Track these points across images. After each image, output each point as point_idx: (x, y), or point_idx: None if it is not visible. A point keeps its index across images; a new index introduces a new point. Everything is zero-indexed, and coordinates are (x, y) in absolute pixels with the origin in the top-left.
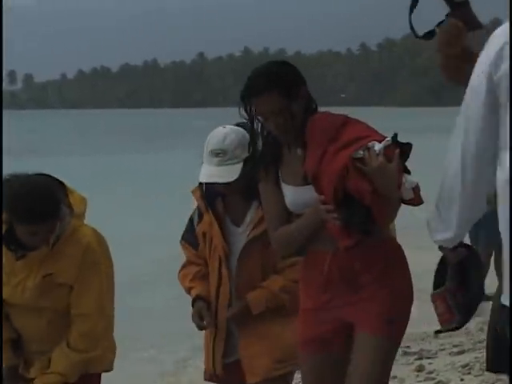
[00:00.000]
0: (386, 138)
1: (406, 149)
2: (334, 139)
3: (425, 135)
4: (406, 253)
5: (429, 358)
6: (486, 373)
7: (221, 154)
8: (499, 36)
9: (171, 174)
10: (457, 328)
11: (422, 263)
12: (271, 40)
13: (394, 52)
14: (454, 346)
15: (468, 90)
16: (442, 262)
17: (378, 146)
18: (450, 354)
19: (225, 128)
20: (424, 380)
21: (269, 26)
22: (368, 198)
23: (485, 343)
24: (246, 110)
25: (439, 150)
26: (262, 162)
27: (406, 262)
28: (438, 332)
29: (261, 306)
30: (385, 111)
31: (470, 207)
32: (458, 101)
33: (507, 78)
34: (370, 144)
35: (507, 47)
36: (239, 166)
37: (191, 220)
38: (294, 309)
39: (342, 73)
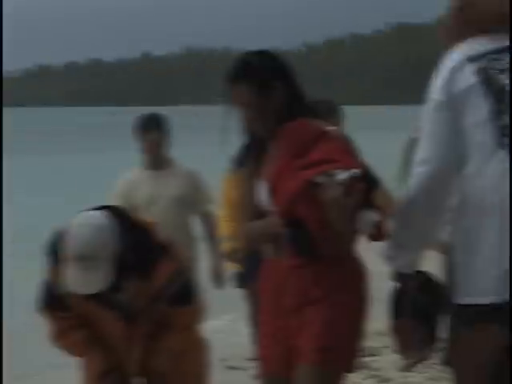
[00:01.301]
0: (356, 166)
1: (372, 184)
2: (302, 155)
3: (365, 132)
4: None
5: (373, 355)
6: (429, 370)
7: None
8: (446, 61)
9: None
10: (422, 359)
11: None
12: (216, 38)
13: (339, 50)
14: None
15: (424, 118)
16: (398, 292)
17: (341, 176)
18: (394, 351)
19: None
20: (368, 377)
21: (214, 25)
22: (314, 226)
23: None
24: (227, 97)
25: (379, 146)
26: (244, 154)
27: (365, 284)
28: (408, 367)
29: None
30: None
31: (425, 232)
32: (396, 99)
33: (467, 95)
34: (334, 171)
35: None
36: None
37: None
38: None
39: None
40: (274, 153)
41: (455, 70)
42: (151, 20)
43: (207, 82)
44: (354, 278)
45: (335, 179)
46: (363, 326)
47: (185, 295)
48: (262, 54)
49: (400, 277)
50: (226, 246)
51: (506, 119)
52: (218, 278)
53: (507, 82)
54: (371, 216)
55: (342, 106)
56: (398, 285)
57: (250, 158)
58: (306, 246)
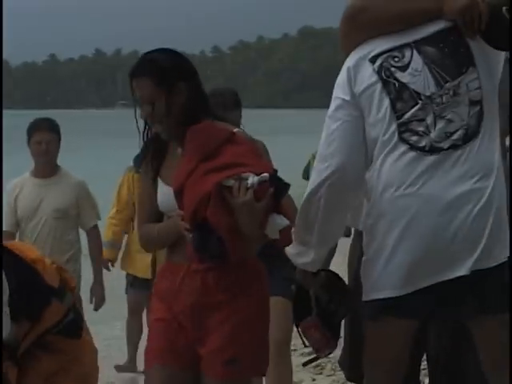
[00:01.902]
0: (266, 170)
1: (282, 188)
2: (210, 157)
3: (275, 136)
4: None
5: None
6: (337, 372)
7: None
8: (347, 63)
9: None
10: (330, 353)
11: None
12: (124, 41)
13: (248, 55)
14: (306, 346)
15: (328, 117)
16: (301, 292)
17: (251, 180)
18: (301, 354)
19: None
20: None
21: (121, 27)
22: (224, 231)
23: None
24: (131, 91)
25: (287, 149)
26: (144, 153)
27: (265, 284)
28: (307, 363)
29: None
30: None
31: (328, 229)
32: (305, 103)
33: (368, 94)
34: (244, 175)
35: (354, 69)
36: None
37: None
38: None
39: None
40: (179, 155)
41: (356, 70)
42: (58, 23)
43: (114, 86)
44: (256, 280)
45: (245, 183)
46: (267, 328)
47: (71, 329)
48: (166, 53)
49: (304, 275)
50: (107, 252)
51: (406, 116)
52: (97, 299)
53: (408, 79)
54: (280, 220)
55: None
56: (302, 283)
57: (149, 157)
58: (215, 251)
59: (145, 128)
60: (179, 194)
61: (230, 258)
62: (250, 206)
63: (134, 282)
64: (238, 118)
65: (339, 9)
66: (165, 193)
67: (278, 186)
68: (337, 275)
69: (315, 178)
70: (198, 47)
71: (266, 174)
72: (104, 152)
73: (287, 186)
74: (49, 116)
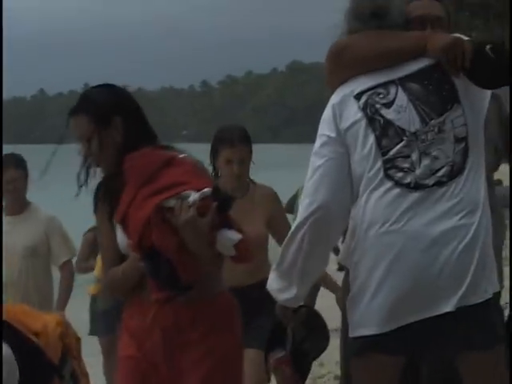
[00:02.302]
0: (205, 186)
1: (225, 202)
2: (149, 182)
3: (263, 171)
4: None
5: None
6: None
7: None
8: (332, 99)
9: None
10: None
11: None
12: (113, 76)
13: (236, 89)
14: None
15: (314, 154)
16: (278, 326)
17: (192, 197)
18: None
19: None
20: None
21: (110, 63)
22: (172, 253)
23: None
24: (71, 129)
25: (276, 184)
26: (97, 193)
27: (237, 319)
28: None
29: None
30: None
31: (311, 265)
32: (294, 138)
33: (353, 131)
34: (184, 193)
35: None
36: None
37: None
38: None
39: (183, 109)
40: (122, 188)
41: (341, 107)
42: (46, 58)
43: None
44: (228, 317)
45: (186, 201)
46: (241, 368)
47: None
48: (104, 89)
49: (284, 311)
50: (93, 287)
51: (392, 153)
52: None
53: (393, 115)
54: (231, 235)
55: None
56: (281, 318)
57: (103, 199)
58: (168, 276)
59: (85, 165)
60: (123, 223)
61: (183, 279)
62: (193, 223)
63: None
64: (245, 153)
65: (327, 44)
66: (119, 232)
67: (222, 200)
68: (317, 313)
69: (300, 213)
70: (186, 82)
71: (207, 189)
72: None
73: (231, 198)
74: (38, 150)
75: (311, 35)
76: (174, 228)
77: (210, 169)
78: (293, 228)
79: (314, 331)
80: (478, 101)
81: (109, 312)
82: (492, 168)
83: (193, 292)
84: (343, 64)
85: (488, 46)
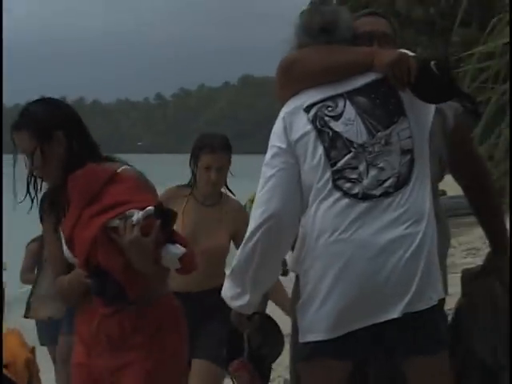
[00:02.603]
0: (149, 204)
1: (168, 218)
2: (93, 201)
3: None
4: None
5: None
6: None
7: None
8: (283, 112)
9: None
10: None
11: None
12: (69, 88)
13: (189, 102)
14: None
15: (265, 165)
16: (234, 333)
17: (136, 216)
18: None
19: None
20: None
21: (66, 75)
22: (118, 272)
23: None
24: (13, 145)
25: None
26: (42, 205)
27: (181, 319)
28: None
29: None
30: (180, 158)
31: (263, 273)
32: (246, 149)
33: (303, 142)
34: (128, 213)
35: (290, 116)
36: None
37: None
38: None
39: (139, 121)
40: (67, 203)
41: (291, 119)
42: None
43: None
44: (172, 319)
45: (130, 221)
46: (184, 365)
47: None
48: (43, 103)
49: (239, 317)
50: None
51: (340, 164)
52: None
53: (341, 128)
54: (174, 250)
55: None
56: (236, 325)
57: (48, 210)
58: (115, 294)
59: (30, 179)
60: (70, 242)
61: (130, 297)
62: (137, 243)
63: None
64: (224, 161)
65: (278, 58)
66: (63, 243)
67: (165, 217)
68: (271, 318)
69: (253, 222)
70: (142, 94)
71: (150, 208)
72: None
73: (174, 214)
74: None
75: (262, 50)
76: (119, 248)
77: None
78: (246, 236)
79: (268, 336)
80: (423, 115)
81: (52, 321)
82: (437, 179)
83: (137, 302)
84: (293, 78)
85: (432, 63)
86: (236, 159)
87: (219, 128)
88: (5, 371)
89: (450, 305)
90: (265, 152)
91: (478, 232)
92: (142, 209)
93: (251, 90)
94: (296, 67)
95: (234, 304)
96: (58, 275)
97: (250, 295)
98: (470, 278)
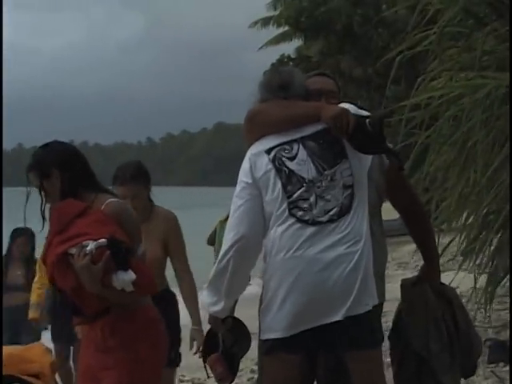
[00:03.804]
0: (103, 236)
1: (119, 249)
2: (63, 230)
3: (196, 208)
4: None
5: None
6: None
7: None
8: (249, 153)
9: None
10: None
11: None
12: (76, 133)
13: (174, 144)
14: (209, 377)
15: (235, 196)
16: (210, 333)
17: (90, 246)
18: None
19: None
20: None
21: (73, 122)
22: (69, 291)
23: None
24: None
25: (207, 220)
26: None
27: (157, 334)
28: None
29: None
30: (167, 190)
31: (235, 284)
32: (220, 182)
33: (265, 178)
34: (84, 243)
35: (256, 157)
36: None
37: None
38: None
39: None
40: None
41: (256, 159)
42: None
43: None
44: (145, 328)
45: (84, 250)
46: (159, 375)
47: None
48: (45, 148)
49: (215, 320)
50: (32, 313)
51: (294, 196)
52: None
53: (295, 167)
54: (124, 276)
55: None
56: (212, 327)
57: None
58: (73, 310)
59: (42, 207)
60: (44, 264)
61: (85, 312)
62: (87, 269)
63: None
64: (136, 189)
65: (246, 109)
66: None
67: (117, 248)
68: (240, 321)
69: (226, 243)
70: (135, 138)
71: (102, 240)
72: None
73: (126, 245)
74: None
75: (233, 102)
76: (74, 271)
77: None
78: (221, 254)
79: (238, 336)
80: (363, 157)
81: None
82: (377, 205)
83: (112, 312)
84: (256, 126)
85: (367, 120)
86: (213, 190)
87: (198, 165)
88: (37, 382)
89: (386, 308)
90: (235, 185)
91: (406, 249)
92: (96, 240)
93: (224, 134)
94: (259, 117)
95: (212, 309)
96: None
97: (224, 302)
98: (407, 286)
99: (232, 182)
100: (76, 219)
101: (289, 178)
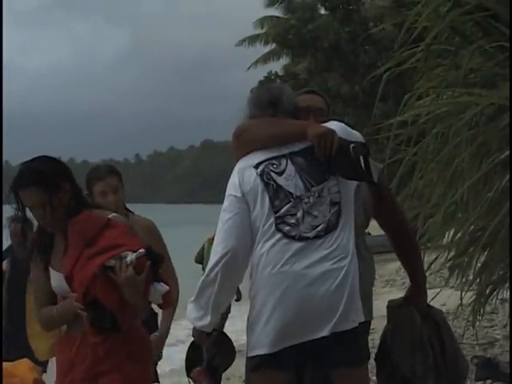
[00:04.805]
0: (140, 248)
1: (157, 259)
2: (91, 244)
3: (182, 227)
4: None
5: None
6: None
7: None
8: (237, 168)
9: None
10: None
11: None
12: (63, 150)
13: (161, 161)
14: None
15: (223, 210)
16: (194, 347)
17: (130, 257)
18: None
19: None
20: None
21: (60, 140)
22: (115, 307)
23: None
24: (16, 201)
25: (194, 237)
26: (32, 248)
27: (148, 349)
28: None
29: None
30: (154, 207)
31: (222, 298)
32: (206, 200)
33: (253, 193)
34: (122, 254)
35: (244, 172)
36: None
37: None
38: None
39: None
40: (66, 244)
41: (244, 174)
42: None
43: None
44: (141, 345)
45: (125, 261)
46: None
47: None
48: (44, 160)
49: (200, 334)
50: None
51: (282, 211)
52: None
53: (283, 182)
54: (160, 287)
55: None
56: (197, 340)
57: (37, 250)
58: (109, 324)
59: (39, 227)
60: (70, 279)
61: (122, 328)
62: (132, 280)
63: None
64: (115, 183)
65: (233, 126)
66: (56, 278)
67: (154, 258)
68: (226, 335)
69: (213, 257)
70: (122, 155)
71: (141, 250)
72: None
73: (161, 257)
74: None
75: (220, 120)
76: (115, 284)
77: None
78: (209, 267)
79: (222, 350)
80: None
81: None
82: (363, 224)
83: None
84: (244, 142)
85: (352, 145)
86: (199, 208)
87: (185, 182)
88: None
89: (373, 325)
90: (222, 202)
91: (393, 266)
92: (135, 251)
93: (211, 151)
94: (246, 135)
95: (198, 324)
96: (41, 306)
97: (210, 317)
98: (394, 307)
99: (219, 199)
100: (103, 231)
101: (276, 193)
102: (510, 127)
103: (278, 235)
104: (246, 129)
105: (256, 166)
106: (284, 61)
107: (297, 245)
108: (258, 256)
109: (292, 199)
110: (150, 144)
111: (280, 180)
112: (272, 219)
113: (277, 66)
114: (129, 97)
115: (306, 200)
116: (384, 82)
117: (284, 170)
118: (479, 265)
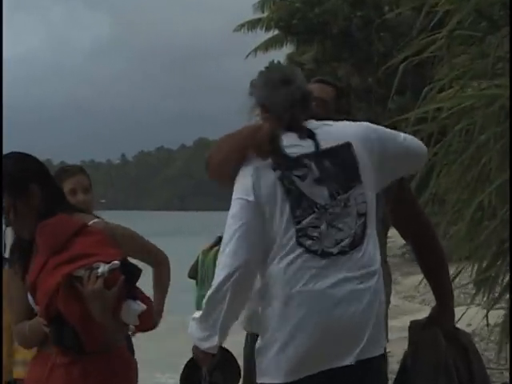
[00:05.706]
0: (115, 258)
1: (134, 274)
2: (60, 250)
3: (173, 237)
4: None
5: None
6: None
7: None
8: (250, 169)
9: None
10: None
11: None
12: (39, 151)
13: (149, 162)
14: None
15: (231, 217)
16: (193, 365)
17: (102, 269)
18: None
19: None
20: None
21: (35, 140)
22: (76, 321)
23: None
24: None
25: (187, 249)
26: (10, 257)
27: (131, 374)
28: None
29: None
30: (141, 214)
31: (231, 317)
32: (200, 206)
33: (270, 199)
34: (94, 265)
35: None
36: None
37: None
38: None
39: (102, 180)
40: (35, 251)
41: (260, 174)
42: None
43: None
44: (123, 369)
45: (95, 272)
46: None
47: None
48: (12, 158)
49: (204, 356)
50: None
51: (304, 223)
52: None
53: (307, 188)
54: (135, 306)
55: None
56: (200, 362)
57: (15, 259)
58: (70, 342)
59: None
60: (33, 289)
61: (86, 347)
62: (99, 294)
63: None
64: (87, 181)
65: (229, 123)
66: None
67: (130, 272)
68: (231, 355)
69: (221, 272)
70: (105, 156)
71: (116, 262)
72: None
73: (139, 271)
74: None
75: (215, 115)
76: (80, 297)
77: None
78: (217, 283)
79: (227, 373)
80: (374, 180)
81: None
82: (380, 233)
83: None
84: (216, 170)
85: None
86: (191, 215)
87: (176, 186)
88: None
89: (389, 348)
90: (218, 209)
91: (411, 281)
92: (108, 262)
93: (205, 151)
94: (212, 160)
95: (203, 346)
96: (19, 321)
97: (218, 338)
98: (416, 328)
99: (214, 206)
100: (75, 238)
101: (298, 202)
102: (510, 126)
103: (299, 250)
104: (209, 155)
105: (275, 168)
106: (287, 49)
107: (319, 262)
108: (275, 272)
109: (316, 209)
110: (137, 143)
111: (303, 186)
112: (292, 231)
113: (279, 54)
114: (111, 90)
115: (331, 210)
116: (401, 73)
117: (307, 173)
118: (507, 279)
